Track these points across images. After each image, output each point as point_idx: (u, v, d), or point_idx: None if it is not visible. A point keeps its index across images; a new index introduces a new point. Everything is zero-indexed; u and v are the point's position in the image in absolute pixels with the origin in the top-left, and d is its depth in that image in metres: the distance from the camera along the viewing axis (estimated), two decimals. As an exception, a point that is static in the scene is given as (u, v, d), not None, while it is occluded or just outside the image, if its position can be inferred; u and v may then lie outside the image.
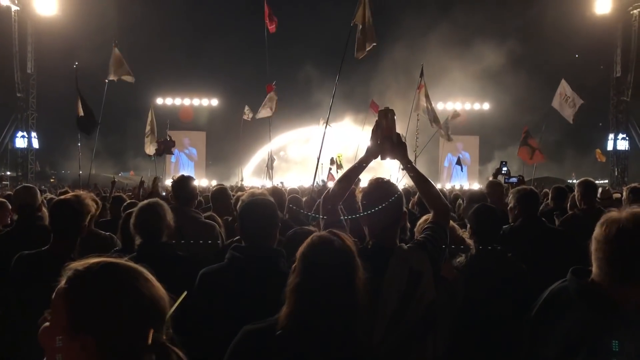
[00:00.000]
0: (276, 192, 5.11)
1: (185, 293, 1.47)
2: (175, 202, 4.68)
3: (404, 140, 2.71)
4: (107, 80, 16.18)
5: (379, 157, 2.66)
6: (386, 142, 2.61)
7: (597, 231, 1.88)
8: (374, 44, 11.85)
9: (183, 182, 4.76)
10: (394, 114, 2.63)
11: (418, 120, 17.84)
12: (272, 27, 16.61)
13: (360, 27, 11.76)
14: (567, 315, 1.94)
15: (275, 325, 1.86)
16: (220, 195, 5.59)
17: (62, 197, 3.13)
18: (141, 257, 3.15)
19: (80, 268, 1.33)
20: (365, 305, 1.88)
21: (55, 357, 1.29)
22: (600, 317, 1.83)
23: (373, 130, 2.64)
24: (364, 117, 22.85)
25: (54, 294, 1.32)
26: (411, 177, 2.71)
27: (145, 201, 3.56)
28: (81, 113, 14.18)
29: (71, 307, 1.29)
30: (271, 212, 2.81)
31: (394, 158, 2.66)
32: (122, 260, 1.39)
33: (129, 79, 16.29)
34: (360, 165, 2.71)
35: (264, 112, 18.45)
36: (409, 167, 2.69)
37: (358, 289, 1.86)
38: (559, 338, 1.93)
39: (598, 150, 25.17)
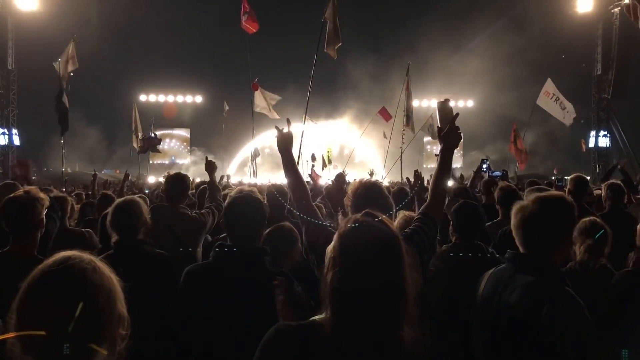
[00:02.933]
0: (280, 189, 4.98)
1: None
2: (166, 199, 4.70)
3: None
4: (54, 63, 15.65)
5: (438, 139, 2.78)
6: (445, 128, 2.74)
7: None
8: (339, 44, 12.03)
9: (176, 181, 4.73)
10: (448, 102, 2.87)
11: (404, 117, 17.90)
12: (251, 28, 16.16)
13: (331, 25, 11.89)
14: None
15: (318, 327, 1.60)
16: (205, 192, 5.56)
17: (10, 195, 2.99)
18: (117, 254, 3.13)
19: (42, 266, 1.32)
20: (416, 297, 1.62)
21: None
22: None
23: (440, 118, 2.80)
24: (345, 114, 22.80)
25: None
26: (441, 162, 2.76)
27: (122, 198, 3.53)
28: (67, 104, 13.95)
29: (31, 305, 1.27)
30: (257, 209, 2.79)
31: (449, 143, 2.73)
32: (79, 260, 1.36)
33: (70, 67, 15.71)
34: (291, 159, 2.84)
35: (265, 110, 18.24)
36: (447, 154, 2.75)
37: (407, 279, 1.59)
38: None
39: (583, 140, 25.76)
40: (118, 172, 32.11)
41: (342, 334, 1.53)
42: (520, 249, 2.41)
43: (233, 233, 2.78)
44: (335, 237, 1.65)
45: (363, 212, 1.73)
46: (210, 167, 5.24)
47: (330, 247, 1.65)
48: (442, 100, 2.89)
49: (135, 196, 6.12)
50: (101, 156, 30.83)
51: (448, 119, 2.75)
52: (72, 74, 15.73)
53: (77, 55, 15.90)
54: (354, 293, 1.54)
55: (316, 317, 1.64)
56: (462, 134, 2.74)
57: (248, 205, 2.80)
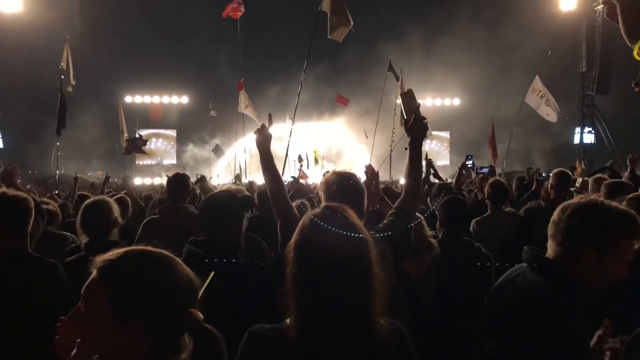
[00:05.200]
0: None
1: (212, 273, 1.50)
2: (170, 200, 4.73)
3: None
4: (63, 77, 15.91)
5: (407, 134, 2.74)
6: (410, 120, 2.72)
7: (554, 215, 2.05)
8: (350, 25, 11.62)
9: (179, 181, 4.75)
10: (412, 93, 2.81)
11: (395, 115, 17.88)
12: (235, 13, 16.06)
13: (330, 13, 11.53)
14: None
15: (287, 329, 1.57)
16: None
17: None
18: (88, 256, 3.04)
19: (114, 258, 1.36)
20: (383, 288, 1.56)
21: (90, 349, 1.29)
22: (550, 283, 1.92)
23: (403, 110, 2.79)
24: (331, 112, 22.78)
25: (87, 285, 1.34)
26: (410, 155, 2.73)
27: (90, 199, 3.48)
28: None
29: (115, 296, 1.30)
30: (231, 205, 2.78)
31: (415, 134, 2.71)
32: (150, 247, 1.43)
33: (69, 87, 16.07)
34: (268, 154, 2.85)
35: (246, 111, 18.18)
36: (415, 145, 2.72)
37: (372, 271, 1.54)
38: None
39: (577, 162, 25.87)
40: (100, 172, 31.84)
41: (304, 335, 1.50)
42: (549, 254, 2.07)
43: (207, 229, 2.78)
44: (295, 233, 1.61)
45: (322, 206, 1.70)
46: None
47: (290, 243, 1.61)
48: (404, 91, 2.85)
49: (123, 194, 6.10)
50: (85, 158, 30.53)
51: (412, 110, 2.73)
52: (73, 83, 15.93)
53: (60, 57, 16.01)
54: (311, 290, 1.50)
55: (288, 320, 1.61)
56: (427, 124, 2.71)
57: (221, 202, 2.80)
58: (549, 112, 16.11)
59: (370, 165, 3.37)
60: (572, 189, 6.16)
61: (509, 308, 1.97)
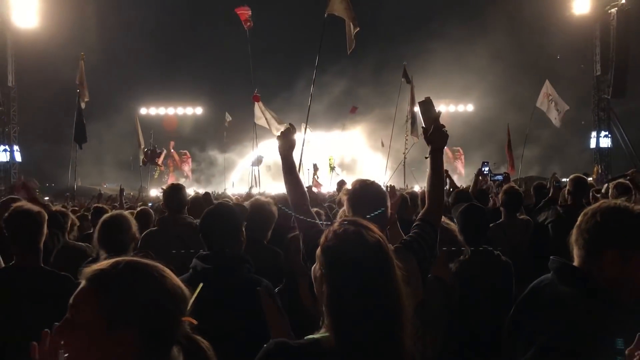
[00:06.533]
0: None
1: (202, 284, 1.52)
2: (168, 211, 4.73)
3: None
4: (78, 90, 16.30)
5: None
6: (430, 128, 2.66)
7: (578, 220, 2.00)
8: (357, 29, 11.55)
9: (174, 191, 4.76)
10: (431, 101, 2.74)
11: (408, 121, 17.83)
12: (247, 23, 16.46)
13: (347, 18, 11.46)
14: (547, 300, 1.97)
15: (318, 344, 1.55)
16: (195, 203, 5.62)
17: (13, 208, 2.96)
18: None
19: (104, 267, 1.36)
20: (409, 307, 1.56)
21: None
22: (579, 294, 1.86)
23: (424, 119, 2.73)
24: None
25: (76, 295, 1.33)
26: (432, 165, 2.66)
27: (108, 214, 3.44)
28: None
29: (106, 305, 1.30)
30: (233, 218, 2.76)
31: (436, 143, 2.65)
32: (139, 257, 1.44)
33: (83, 103, 16.42)
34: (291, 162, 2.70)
35: (263, 123, 18.26)
36: (436, 155, 2.65)
37: (399, 289, 1.53)
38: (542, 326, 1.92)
39: (595, 167, 25.61)
40: (107, 184, 32.11)
41: (344, 350, 1.48)
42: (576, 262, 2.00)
43: (210, 243, 2.75)
44: (318, 252, 1.60)
45: (341, 220, 1.68)
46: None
47: (315, 265, 1.60)
48: (422, 100, 2.77)
49: (139, 208, 6.16)
50: (101, 170, 30.86)
51: (432, 119, 2.67)
52: (87, 100, 16.33)
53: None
54: (347, 309, 1.49)
55: (315, 335, 1.59)
56: (447, 132, 2.65)
57: (223, 214, 2.77)
58: (555, 117, 16.04)
59: (392, 186, 3.35)
60: (597, 194, 6.09)
61: (542, 322, 1.92)
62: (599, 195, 6.17)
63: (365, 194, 2.57)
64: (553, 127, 17.65)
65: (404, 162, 17.83)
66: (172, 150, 33.61)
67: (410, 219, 3.76)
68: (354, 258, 1.51)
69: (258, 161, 22.19)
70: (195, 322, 1.41)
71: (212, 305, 2.39)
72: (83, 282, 1.35)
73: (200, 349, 1.38)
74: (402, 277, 1.56)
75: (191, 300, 1.43)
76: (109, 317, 1.29)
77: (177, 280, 1.43)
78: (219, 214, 2.79)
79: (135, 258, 1.43)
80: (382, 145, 20.93)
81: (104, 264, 1.37)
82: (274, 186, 23.47)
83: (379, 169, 26.04)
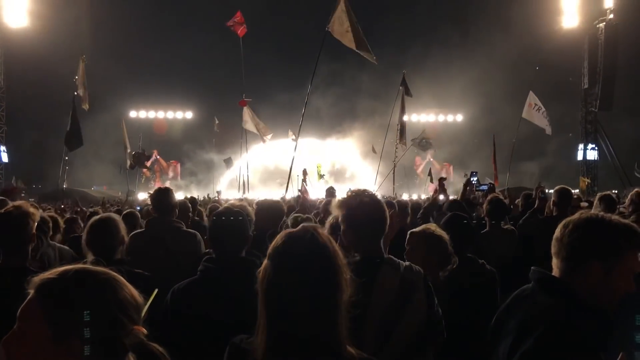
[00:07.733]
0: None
1: (156, 291, 1.52)
2: (156, 214, 4.69)
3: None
4: (75, 93, 16.14)
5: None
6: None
7: (556, 232, 2.03)
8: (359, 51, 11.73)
9: (161, 194, 4.74)
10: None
11: (398, 130, 17.93)
12: (240, 30, 16.54)
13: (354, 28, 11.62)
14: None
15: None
16: (181, 207, 5.61)
17: (1, 210, 2.95)
18: None
19: (52, 277, 1.33)
20: (350, 308, 1.57)
21: None
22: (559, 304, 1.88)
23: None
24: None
25: (24, 305, 1.31)
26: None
27: (97, 217, 3.40)
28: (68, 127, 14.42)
29: (51, 315, 1.28)
30: (241, 221, 2.78)
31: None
32: (91, 266, 1.43)
33: (85, 106, 16.33)
34: None
35: (247, 126, 18.33)
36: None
37: (340, 288, 1.55)
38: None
39: (582, 178, 25.89)
40: (106, 188, 31.91)
41: (270, 338, 1.53)
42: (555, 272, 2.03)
43: (218, 246, 2.75)
44: (271, 247, 1.63)
45: (300, 226, 1.69)
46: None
47: (261, 267, 1.63)
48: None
49: (126, 211, 6.14)
50: (90, 173, 30.62)
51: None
52: (86, 108, 16.29)
53: (67, 73, 16.41)
54: (277, 302, 1.54)
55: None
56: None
57: (231, 217, 2.76)
58: (546, 124, 16.24)
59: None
60: (585, 204, 6.17)
61: (522, 332, 1.95)
62: (583, 205, 6.25)
63: (362, 213, 2.49)
64: (539, 139, 17.85)
65: (394, 170, 17.94)
66: (157, 157, 33.56)
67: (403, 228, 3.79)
68: (296, 256, 1.56)
69: (229, 163, 22.36)
70: (146, 331, 1.38)
71: (224, 307, 2.40)
72: (31, 292, 1.32)
73: (156, 357, 1.37)
74: (346, 280, 1.58)
75: (145, 309, 1.42)
76: (55, 327, 1.28)
77: (130, 289, 1.42)
78: (227, 217, 2.77)
79: (86, 266, 1.41)
80: (374, 151, 21.00)
81: (52, 272, 1.35)
82: (262, 192, 23.50)
83: (369, 177, 26.14)
